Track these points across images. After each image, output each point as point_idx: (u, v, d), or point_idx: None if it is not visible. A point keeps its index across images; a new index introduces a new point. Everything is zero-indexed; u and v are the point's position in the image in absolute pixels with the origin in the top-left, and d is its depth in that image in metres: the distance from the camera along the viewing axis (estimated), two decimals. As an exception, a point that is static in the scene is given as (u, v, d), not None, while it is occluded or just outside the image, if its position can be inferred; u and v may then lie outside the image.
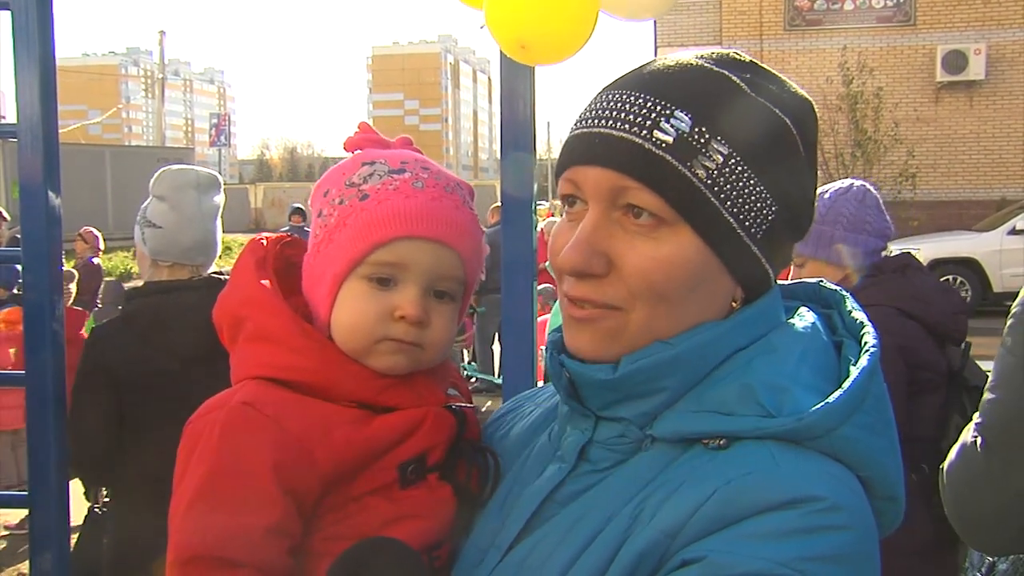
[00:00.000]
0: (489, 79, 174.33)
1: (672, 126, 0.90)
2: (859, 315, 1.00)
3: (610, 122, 0.92)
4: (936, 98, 18.77)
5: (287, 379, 1.04)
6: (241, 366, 1.08)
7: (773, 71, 0.99)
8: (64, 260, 2.90)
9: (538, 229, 3.28)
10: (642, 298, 0.91)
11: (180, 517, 0.98)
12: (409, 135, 1.23)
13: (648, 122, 0.91)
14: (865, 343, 0.95)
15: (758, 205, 0.92)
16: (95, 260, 10.11)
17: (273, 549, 0.97)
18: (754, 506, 0.81)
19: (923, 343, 2.64)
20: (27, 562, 2.81)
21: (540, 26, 2.23)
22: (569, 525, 0.92)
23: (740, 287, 0.95)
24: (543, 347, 1.13)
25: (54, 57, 2.55)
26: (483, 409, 1.20)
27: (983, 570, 1.88)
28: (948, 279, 13.74)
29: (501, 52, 2.40)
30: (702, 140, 0.90)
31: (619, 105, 0.93)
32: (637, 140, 0.90)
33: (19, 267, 2.74)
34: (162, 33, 37.59)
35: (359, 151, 1.15)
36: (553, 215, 22.02)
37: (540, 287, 4.03)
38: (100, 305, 7.91)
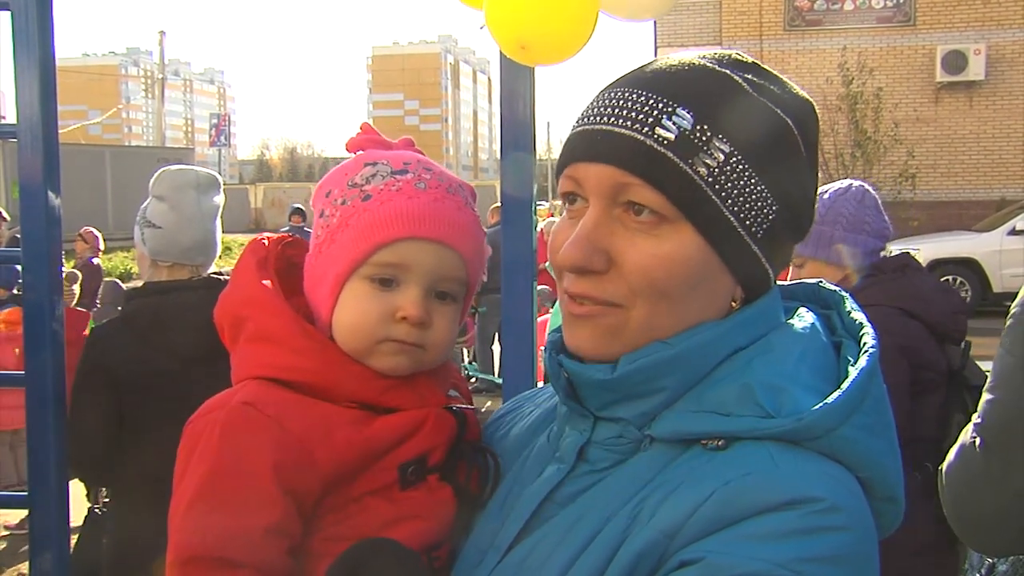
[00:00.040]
0: (489, 79, 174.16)
1: (674, 123, 0.90)
2: (858, 316, 1.00)
3: (612, 119, 0.92)
4: (936, 98, 18.76)
5: (288, 379, 1.04)
6: (242, 366, 1.08)
7: (775, 72, 0.99)
8: (64, 260, 2.90)
9: (538, 229, 3.28)
10: (643, 295, 0.91)
11: (180, 517, 0.98)
12: (409, 135, 1.23)
13: (650, 119, 0.90)
14: (864, 344, 0.95)
15: (759, 204, 0.92)
16: (95, 260, 10.12)
17: (273, 549, 0.97)
18: (753, 507, 0.81)
19: (925, 343, 2.65)
20: (27, 562, 2.80)
21: (540, 26, 2.23)
22: (568, 526, 0.92)
23: (740, 287, 0.95)
24: (543, 347, 1.13)
25: (54, 57, 2.55)
26: (483, 409, 1.20)
27: (983, 571, 1.87)
28: (948, 279, 13.74)
29: (501, 52, 2.40)
30: (704, 138, 0.90)
31: (621, 102, 0.93)
32: (639, 137, 0.90)
33: (19, 267, 2.74)
34: (162, 33, 37.57)
35: (361, 152, 1.15)
36: (553, 215, 22.03)
37: (538, 288, 4.02)
38: (99, 305, 7.90)
